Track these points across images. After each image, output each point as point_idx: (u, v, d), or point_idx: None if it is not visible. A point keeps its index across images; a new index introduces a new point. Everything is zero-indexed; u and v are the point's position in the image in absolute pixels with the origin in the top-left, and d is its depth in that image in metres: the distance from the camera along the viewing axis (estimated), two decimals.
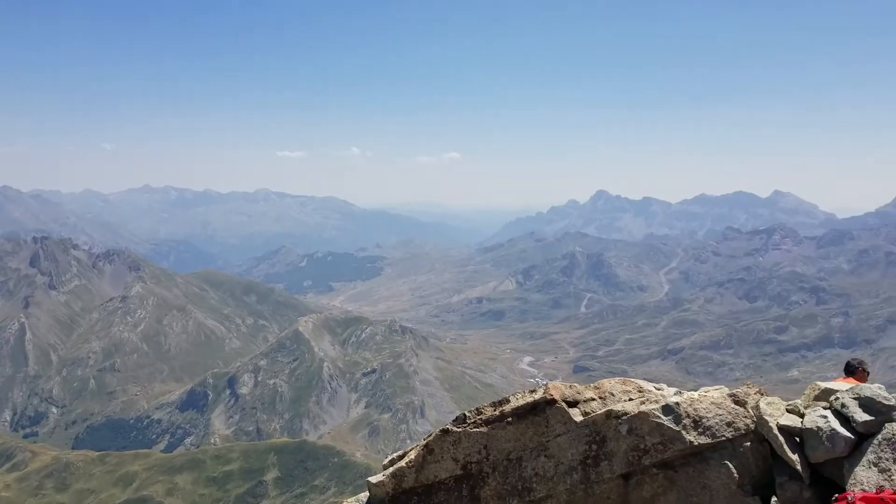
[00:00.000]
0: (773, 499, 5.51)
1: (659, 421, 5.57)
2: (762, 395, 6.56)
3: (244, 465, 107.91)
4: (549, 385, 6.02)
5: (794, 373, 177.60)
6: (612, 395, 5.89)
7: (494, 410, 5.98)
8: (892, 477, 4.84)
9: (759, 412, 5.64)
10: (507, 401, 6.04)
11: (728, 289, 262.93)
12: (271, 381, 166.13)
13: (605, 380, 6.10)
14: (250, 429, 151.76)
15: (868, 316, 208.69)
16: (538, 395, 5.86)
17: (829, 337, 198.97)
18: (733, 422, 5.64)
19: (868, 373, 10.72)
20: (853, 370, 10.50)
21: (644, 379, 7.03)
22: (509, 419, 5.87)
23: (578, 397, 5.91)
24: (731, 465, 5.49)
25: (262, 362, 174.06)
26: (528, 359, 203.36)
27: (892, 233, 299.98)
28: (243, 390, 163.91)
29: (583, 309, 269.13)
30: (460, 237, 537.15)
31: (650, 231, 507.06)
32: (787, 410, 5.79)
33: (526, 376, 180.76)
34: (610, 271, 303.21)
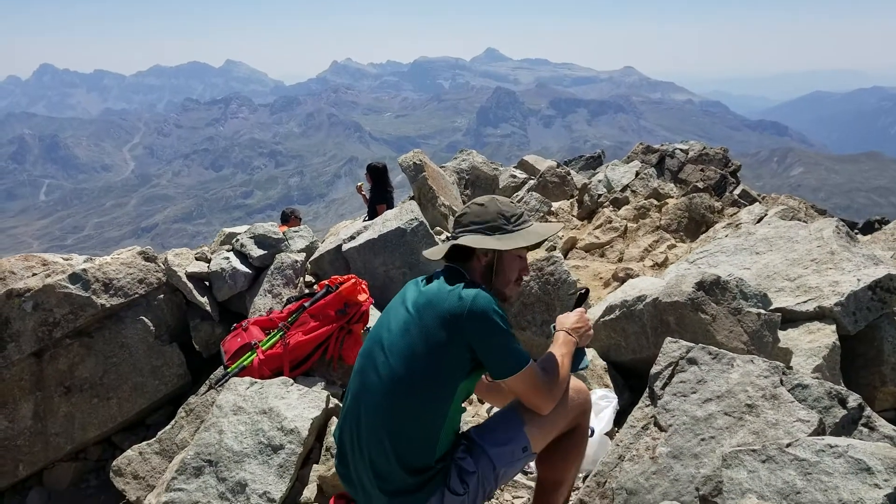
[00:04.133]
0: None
1: (66, 291, 5.40)
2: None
3: None
4: None
5: None
6: (14, 273, 5.48)
7: None
8: (283, 299, 5.59)
9: (168, 264, 5.90)
10: None
11: (194, 160, 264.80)
12: None
13: (4, 259, 5.64)
14: None
15: (319, 173, 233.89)
16: None
17: (289, 196, 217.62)
18: (145, 278, 5.80)
19: (300, 219, 12.06)
20: (287, 218, 11.70)
21: None
22: None
23: None
24: (146, 320, 5.67)
25: None
26: None
27: (332, 96, 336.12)
28: None
29: (42, 197, 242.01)
30: None
31: (107, 106, 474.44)
32: (197, 258, 6.18)
33: None
34: (68, 153, 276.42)
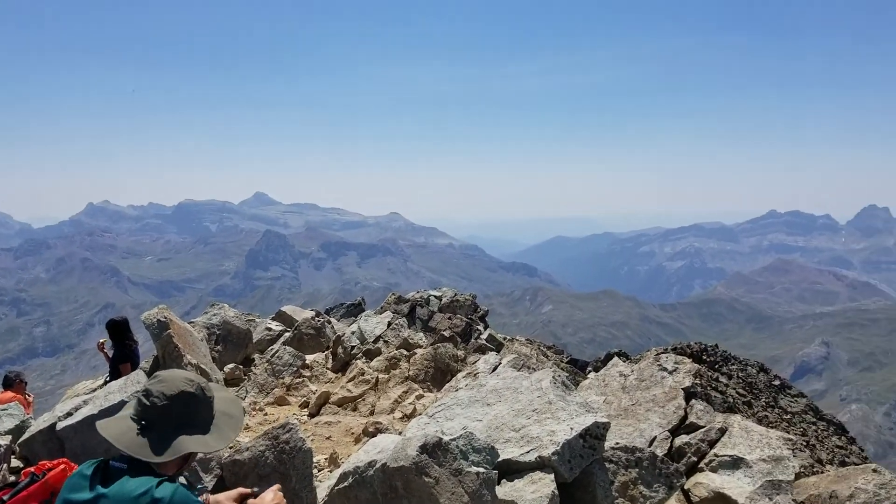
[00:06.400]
0: None
1: None
2: None
3: None
4: None
5: None
6: None
7: None
8: None
9: None
10: None
11: None
12: None
13: None
14: None
15: (69, 321, 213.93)
16: None
17: (33, 347, 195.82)
18: None
19: (26, 383, 10.79)
20: (11, 383, 10.40)
21: None
22: None
23: None
24: None
25: None
26: None
27: (86, 240, 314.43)
28: None
29: None
30: None
31: None
32: None
33: None
34: None
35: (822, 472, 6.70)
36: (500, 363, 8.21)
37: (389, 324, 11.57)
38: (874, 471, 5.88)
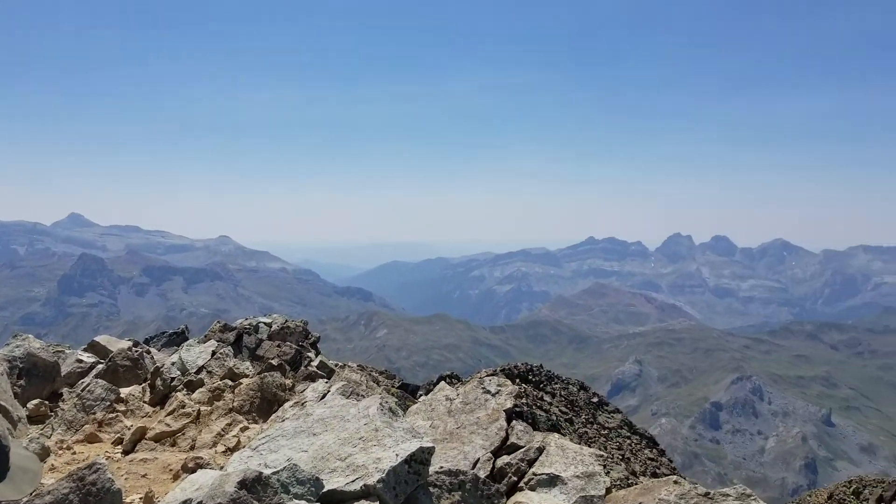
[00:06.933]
0: None
1: None
2: None
3: None
4: None
5: None
6: None
7: None
8: None
9: None
10: None
11: None
12: None
13: None
14: None
15: None
16: None
17: None
18: None
19: None
20: None
21: None
22: None
23: None
24: None
25: None
26: None
27: None
28: None
29: None
30: None
31: None
32: None
33: None
34: None
35: (636, 484, 7.19)
36: (328, 391, 8.11)
37: (214, 353, 11.10)
38: (675, 482, 6.39)
